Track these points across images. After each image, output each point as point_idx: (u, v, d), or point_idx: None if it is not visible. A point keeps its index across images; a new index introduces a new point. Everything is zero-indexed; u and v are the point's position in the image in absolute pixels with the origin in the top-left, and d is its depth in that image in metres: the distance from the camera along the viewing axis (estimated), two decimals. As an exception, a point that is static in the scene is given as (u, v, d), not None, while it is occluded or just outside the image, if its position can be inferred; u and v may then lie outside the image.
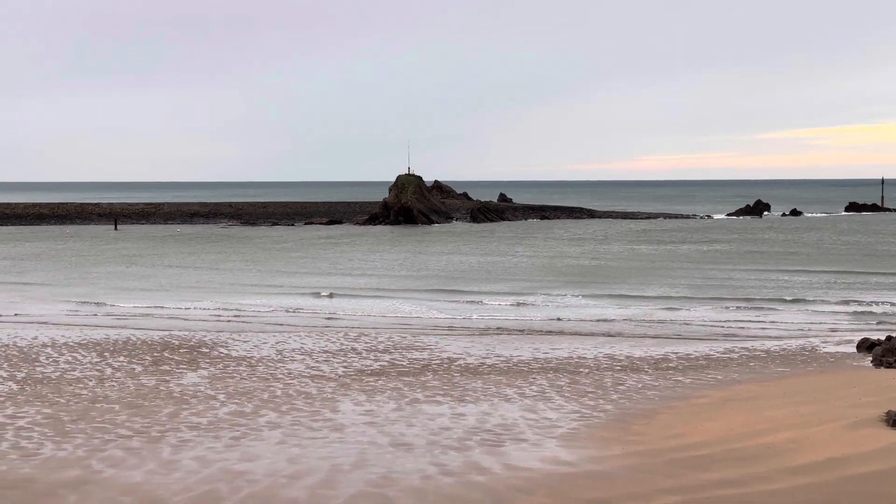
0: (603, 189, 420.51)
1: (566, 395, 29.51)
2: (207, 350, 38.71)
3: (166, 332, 43.66)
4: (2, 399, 28.63)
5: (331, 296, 59.34)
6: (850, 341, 40.12)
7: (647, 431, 24.46)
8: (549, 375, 32.99)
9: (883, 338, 37.75)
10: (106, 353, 37.65)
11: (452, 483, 19.86)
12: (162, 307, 54.58)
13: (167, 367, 34.67)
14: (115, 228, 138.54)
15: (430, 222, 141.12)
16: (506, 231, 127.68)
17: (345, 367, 35.06)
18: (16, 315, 50.80)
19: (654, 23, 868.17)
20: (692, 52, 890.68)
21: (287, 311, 52.83)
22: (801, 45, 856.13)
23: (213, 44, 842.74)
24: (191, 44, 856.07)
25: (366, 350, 38.96)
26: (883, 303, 54.93)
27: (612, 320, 49.00)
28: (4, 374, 32.92)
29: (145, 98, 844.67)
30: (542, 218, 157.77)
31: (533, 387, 30.82)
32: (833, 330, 45.25)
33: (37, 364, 35.18)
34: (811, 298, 57.09)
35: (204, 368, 34.57)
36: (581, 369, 34.32)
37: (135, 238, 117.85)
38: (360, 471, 20.82)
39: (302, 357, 37.20)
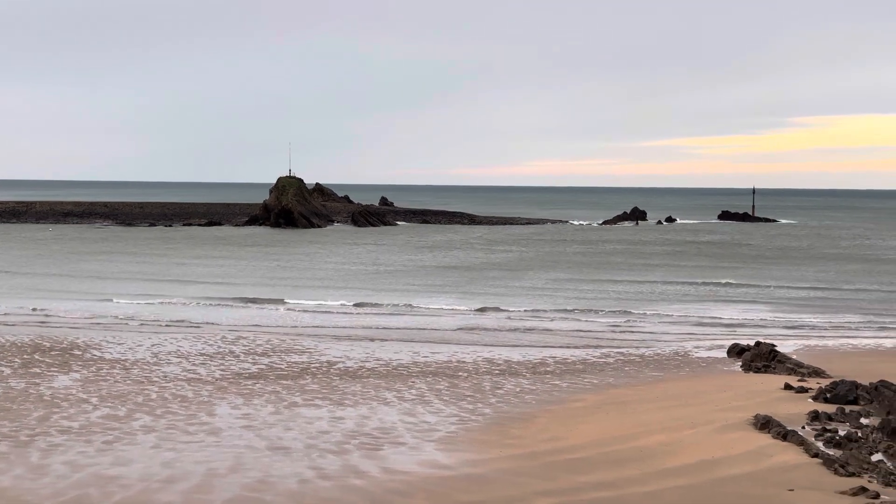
0: (486, 194, 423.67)
1: (445, 398, 29.66)
2: (80, 352, 37.83)
3: (37, 334, 42.51)
4: None
5: (199, 303, 58.32)
6: (721, 346, 41.19)
7: (525, 435, 24.74)
8: (428, 379, 33.12)
9: (752, 343, 38.87)
10: (-27, 355, 36.47)
11: (330, 487, 19.79)
12: (33, 309, 53.05)
13: (37, 370, 33.77)
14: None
15: (311, 225, 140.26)
16: (386, 235, 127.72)
17: (222, 370, 34.64)
18: None
19: (540, 29, 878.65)
20: (576, 59, 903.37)
21: (160, 317, 51.93)
22: (680, 56, 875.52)
23: (95, 41, 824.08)
24: (72, 41, 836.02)
25: (244, 353, 38.54)
26: (752, 310, 56.49)
27: (490, 328, 49.37)
28: None
29: (21, 93, 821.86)
30: (424, 222, 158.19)
31: (412, 390, 30.90)
32: (705, 336, 46.34)
33: None
34: (684, 305, 58.38)
35: (76, 371, 33.78)
36: (460, 373, 34.53)
37: (3, 238, 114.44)
38: (237, 475, 20.61)
39: (178, 360, 36.62)
